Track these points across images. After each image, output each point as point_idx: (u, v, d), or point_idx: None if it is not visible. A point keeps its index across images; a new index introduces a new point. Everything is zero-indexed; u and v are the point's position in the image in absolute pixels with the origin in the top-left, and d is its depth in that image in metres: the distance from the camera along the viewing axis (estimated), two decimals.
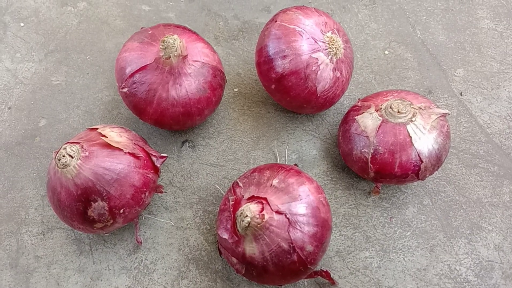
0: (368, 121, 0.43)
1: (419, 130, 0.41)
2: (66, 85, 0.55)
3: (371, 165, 0.43)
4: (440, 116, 0.42)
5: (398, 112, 0.42)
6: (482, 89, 0.53)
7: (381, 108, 0.43)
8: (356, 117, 0.44)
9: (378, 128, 0.42)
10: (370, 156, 0.42)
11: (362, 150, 0.43)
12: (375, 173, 0.43)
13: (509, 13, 0.58)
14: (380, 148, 0.42)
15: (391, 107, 0.42)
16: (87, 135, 0.42)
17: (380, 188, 0.45)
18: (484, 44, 0.56)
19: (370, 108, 0.44)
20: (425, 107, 0.43)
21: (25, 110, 0.53)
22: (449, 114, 0.43)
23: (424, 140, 0.41)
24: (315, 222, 0.38)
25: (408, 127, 0.41)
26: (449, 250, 0.45)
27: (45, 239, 0.46)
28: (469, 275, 0.43)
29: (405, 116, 0.42)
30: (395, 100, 0.43)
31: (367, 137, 0.43)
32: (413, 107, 0.42)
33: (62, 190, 0.40)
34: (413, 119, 0.42)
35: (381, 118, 0.42)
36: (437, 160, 0.42)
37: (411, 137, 0.41)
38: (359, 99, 0.47)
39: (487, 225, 0.46)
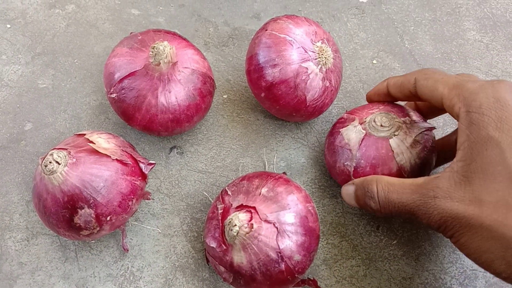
0: (351, 134, 0.43)
1: (403, 144, 0.41)
2: (53, 88, 0.54)
3: (353, 179, 0.42)
4: (425, 130, 0.42)
5: (381, 125, 0.41)
6: None
7: (365, 121, 0.43)
8: (340, 130, 0.44)
9: (361, 141, 0.42)
10: (352, 169, 0.42)
11: (345, 163, 0.43)
12: None
13: (494, 25, 0.59)
14: (362, 161, 0.42)
15: (374, 121, 0.42)
16: (74, 141, 0.42)
17: None
18: (470, 55, 0.57)
19: (354, 121, 0.44)
20: (410, 121, 0.42)
21: (10, 114, 0.53)
22: (434, 129, 0.43)
23: (406, 155, 0.41)
24: (303, 231, 0.38)
25: (391, 141, 0.41)
26: (434, 259, 0.45)
27: (30, 245, 0.46)
28: (454, 284, 0.44)
29: (388, 130, 0.41)
30: (380, 113, 0.43)
31: (350, 150, 0.42)
32: (397, 121, 0.42)
33: (48, 196, 0.39)
34: (396, 133, 0.41)
35: (364, 132, 0.42)
36: (420, 175, 0.41)
37: (393, 151, 0.41)
38: (346, 111, 0.47)
39: None
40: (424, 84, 0.40)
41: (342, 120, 0.46)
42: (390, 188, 0.37)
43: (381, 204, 0.38)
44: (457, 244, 0.34)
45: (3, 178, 0.49)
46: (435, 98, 0.39)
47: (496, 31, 0.59)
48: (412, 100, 0.44)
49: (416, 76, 0.41)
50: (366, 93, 0.48)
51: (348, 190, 0.41)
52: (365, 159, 0.41)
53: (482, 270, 0.44)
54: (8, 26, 0.59)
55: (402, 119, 0.42)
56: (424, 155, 0.41)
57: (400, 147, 0.41)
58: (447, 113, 0.41)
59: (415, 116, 0.43)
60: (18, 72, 0.55)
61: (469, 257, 0.34)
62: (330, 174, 0.49)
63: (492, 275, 0.44)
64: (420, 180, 0.36)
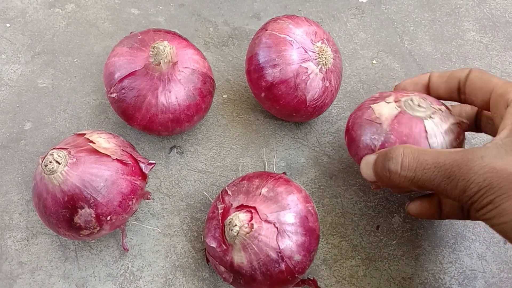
0: (384, 109, 0.41)
1: (437, 128, 0.39)
2: (52, 88, 0.54)
3: None
4: (458, 123, 0.40)
5: (419, 105, 0.40)
6: None
7: (400, 100, 0.41)
8: (371, 105, 0.42)
9: (394, 117, 0.40)
10: (380, 143, 0.40)
11: (372, 137, 0.40)
12: None
13: (494, 26, 0.60)
14: (392, 137, 0.39)
15: (411, 100, 0.40)
16: (74, 141, 0.42)
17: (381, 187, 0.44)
18: (470, 56, 0.57)
19: (389, 97, 0.42)
20: (445, 110, 0.41)
21: (10, 113, 0.53)
22: (467, 125, 0.41)
23: (439, 139, 0.39)
24: (304, 231, 0.38)
25: (426, 122, 0.39)
26: (433, 259, 0.45)
27: (30, 245, 0.46)
28: (453, 284, 0.44)
29: (425, 112, 0.39)
30: (416, 95, 0.41)
31: (380, 123, 0.40)
32: (433, 107, 0.40)
33: (48, 196, 0.39)
34: (432, 116, 0.39)
35: (399, 109, 0.40)
36: None
37: (427, 132, 0.39)
38: (378, 93, 0.45)
39: (470, 234, 0.47)
40: (479, 75, 0.39)
41: (374, 98, 0.44)
42: (421, 152, 0.35)
43: (406, 165, 0.35)
44: (496, 211, 0.31)
45: (3, 178, 0.49)
46: (485, 88, 0.38)
47: (495, 31, 0.59)
48: (451, 98, 0.43)
49: (471, 69, 0.41)
50: (365, 93, 0.48)
51: (368, 159, 0.39)
52: (395, 134, 0.39)
53: (482, 270, 0.45)
54: (8, 25, 0.59)
55: (438, 106, 0.41)
56: (455, 145, 0.40)
57: (435, 130, 0.39)
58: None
59: (448, 110, 0.42)
60: (18, 71, 0.55)
61: (507, 225, 0.31)
62: (332, 172, 0.49)
63: (491, 275, 0.44)
64: (460, 149, 0.35)
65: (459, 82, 0.41)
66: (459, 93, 0.41)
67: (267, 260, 0.37)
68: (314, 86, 0.44)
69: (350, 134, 0.43)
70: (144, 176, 0.43)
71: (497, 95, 0.37)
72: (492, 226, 0.32)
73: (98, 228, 0.40)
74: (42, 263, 0.45)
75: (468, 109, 0.44)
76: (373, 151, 0.40)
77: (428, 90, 0.44)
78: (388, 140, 0.39)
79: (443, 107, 0.41)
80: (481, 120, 0.44)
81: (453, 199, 0.33)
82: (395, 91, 0.44)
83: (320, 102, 0.46)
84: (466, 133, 0.43)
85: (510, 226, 0.31)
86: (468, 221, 0.47)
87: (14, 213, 0.47)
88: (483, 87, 0.39)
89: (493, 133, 0.43)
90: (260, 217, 0.37)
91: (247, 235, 0.36)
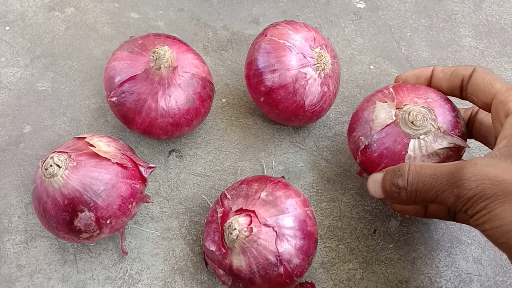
0: (382, 113, 0.41)
1: (419, 151, 0.39)
2: (52, 91, 0.55)
3: (360, 154, 0.42)
4: (453, 147, 0.39)
5: (412, 123, 0.39)
6: (463, 105, 0.55)
7: (402, 108, 0.40)
8: (377, 102, 0.42)
9: (386, 126, 0.40)
10: (362, 147, 0.41)
11: (360, 137, 0.41)
12: (360, 163, 0.42)
13: (489, 32, 0.60)
14: (374, 145, 0.40)
15: (408, 113, 0.39)
16: (74, 144, 0.42)
17: (363, 175, 0.45)
18: (466, 62, 0.58)
19: (393, 101, 0.41)
20: (445, 130, 0.39)
21: (9, 116, 0.53)
22: (464, 149, 0.40)
23: (417, 161, 0.39)
24: (302, 235, 0.38)
25: (412, 141, 0.39)
26: (430, 262, 0.46)
27: (29, 248, 0.46)
28: (449, 287, 0.45)
29: (416, 130, 0.39)
30: (421, 107, 0.39)
31: (371, 128, 0.41)
32: (431, 124, 0.39)
33: (48, 199, 0.39)
34: (422, 136, 0.39)
35: (394, 118, 0.40)
36: None
37: (407, 152, 0.39)
38: (395, 83, 0.44)
39: (466, 238, 0.47)
40: (482, 76, 0.39)
41: (386, 92, 0.43)
42: (423, 166, 0.36)
43: (410, 181, 0.36)
44: (488, 216, 0.32)
45: (2, 181, 0.49)
46: (487, 91, 0.39)
47: (491, 37, 0.60)
48: (452, 94, 0.43)
49: (475, 67, 0.41)
50: (363, 98, 0.48)
51: (375, 177, 0.39)
52: (378, 144, 0.40)
53: (477, 273, 0.45)
54: (7, 28, 0.59)
55: (440, 124, 0.39)
56: None
57: (416, 152, 0.39)
58: None
59: (460, 126, 0.40)
60: (17, 74, 0.56)
61: (498, 230, 0.32)
62: (329, 176, 0.50)
63: (486, 279, 0.45)
64: (458, 161, 0.36)
65: (463, 80, 0.41)
66: (461, 91, 0.42)
67: (266, 263, 0.37)
68: (312, 91, 0.45)
69: (351, 124, 0.44)
70: (143, 180, 0.43)
71: (499, 102, 0.37)
72: (484, 231, 0.33)
73: (98, 231, 0.40)
74: (41, 266, 0.45)
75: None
76: (357, 150, 0.41)
77: (430, 84, 0.44)
78: (370, 147, 0.41)
79: (444, 126, 0.39)
80: (473, 125, 0.44)
81: (450, 207, 0.34)
82: (414, 88, 0.42)
83: (318, 106, 0.46)
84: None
85: (500, 231, 0.32)
86: (464, 225, 0.48)
87: (13, 216, 0.47)
88: (486, 90, 0.39)
89: (484, 140, 0.43)
90: (259, 221, 0.38)
91: (246, 238, 0.37)
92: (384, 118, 0.40)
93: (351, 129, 0.44)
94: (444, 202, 0.34)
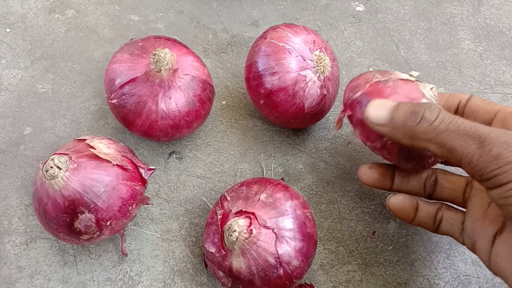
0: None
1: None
2: (52, 93, 0.55)
3: (368, 86, 0.40)
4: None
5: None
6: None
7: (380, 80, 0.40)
8: (371, 100, 0.38)
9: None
10: (375, 80, 0.40)
11: (376, 74, 0.41)
12: (362, 94, 0.40)
13: (488, 35, 0.61)
14: (390, 83, 0.39)
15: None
16: (75, 146, 0.42)
17: (341, 125, 0.44)
18: (465, 65, 0.58)
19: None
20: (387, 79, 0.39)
21: (10, 118, 0.53)
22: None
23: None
24: (302, 237, 0.39)
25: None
26: (428, 264, 0.46)
27: (29, 249, 0.46)
28: None
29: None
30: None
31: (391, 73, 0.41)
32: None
33: (48, 201, 0.40)
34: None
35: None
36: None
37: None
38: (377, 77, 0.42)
39: None
40: (481, 100, 0.41)
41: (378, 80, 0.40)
42: (459, 117, 0.33)
43: (441, 117, 0.33)
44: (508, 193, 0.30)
45: (2, 182, 0.49)
46: (489, 108, 0.40)
47: (489, 41, 0.60)
48: None
49: (472, 94, 0.42)
50: None
51: (384, 101, 0.37)
52: (394, 84, 0.39)
53: (476, 275, 0.45)
54: (8, 30, 0.59)
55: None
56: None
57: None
58: None
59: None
60: (18, 76, 0.56)
61: None
62: (328, 178, 0.50)
63: (485, 281, 0.45)
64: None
65: (460, 102, 0.42)
66: (456, 112, 0.42)
67: (265, 265, 0.37)
68: (312, 94, 0.45)
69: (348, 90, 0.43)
70: (143, 182, 0.44)
71: (507, 113, 0.38)
72: (506, 206, 0.31)
73: (98, 233, 0.40)
74: (41, 268, 0.45)
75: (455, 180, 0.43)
76: (366, 82, 0.40)
77: None
78: (385, 83, 0.39)
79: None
80: (470, 194, 0.41)
81: (473, 167, 0.31)
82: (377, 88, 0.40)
83: (318, 109, 0.47)
84: None
85: None
86: None
87: (13, 217, 0.47)
88: (488, 108, 0.40)
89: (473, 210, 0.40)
90: (259, 222, 0.38)
91: (246, 240, 0.37)
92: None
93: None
94: (470, 160, 0.31)
